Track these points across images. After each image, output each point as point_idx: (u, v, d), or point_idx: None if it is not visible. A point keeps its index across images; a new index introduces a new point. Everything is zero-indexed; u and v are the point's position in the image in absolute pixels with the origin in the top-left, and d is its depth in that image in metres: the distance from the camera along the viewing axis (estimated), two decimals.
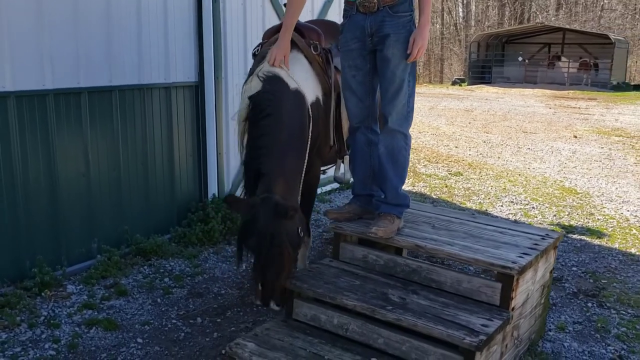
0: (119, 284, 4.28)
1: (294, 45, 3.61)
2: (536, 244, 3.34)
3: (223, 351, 3.45)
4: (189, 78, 5.12)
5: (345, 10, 3.54)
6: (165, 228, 5.08)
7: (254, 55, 3.92)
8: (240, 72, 5.54)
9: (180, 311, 3.97)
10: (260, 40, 4.08)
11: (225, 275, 4.57)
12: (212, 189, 5.44)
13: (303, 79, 3.53)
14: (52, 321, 3.73)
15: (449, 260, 3.87)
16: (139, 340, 3.59)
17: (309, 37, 3.74)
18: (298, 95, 3.43)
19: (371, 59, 3.47)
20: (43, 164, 4.16)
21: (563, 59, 29.12)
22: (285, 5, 3.95)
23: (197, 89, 5.19)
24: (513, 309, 3.05)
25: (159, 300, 4.12)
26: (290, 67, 3.48)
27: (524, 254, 3.17)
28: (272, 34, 3.84)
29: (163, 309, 4.00)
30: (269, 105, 3.30)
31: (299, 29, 3.70)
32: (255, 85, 3.38)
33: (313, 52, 3.70)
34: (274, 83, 3.37)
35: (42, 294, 4.02)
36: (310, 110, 3.49)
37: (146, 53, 4.73)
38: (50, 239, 4.28)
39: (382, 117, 3.52)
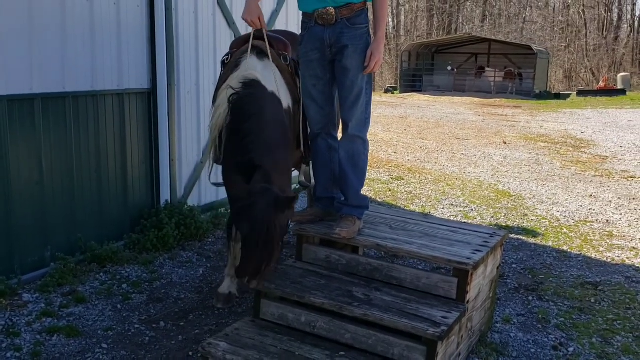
0: (77, 292, 4.25)
1: (265, 55, 3.74)
2: (486, 242, 3.60)
3: (190, 353, 3.54)
4: (142, 85, 5.14)
5: (303, 22, 3.69)
6: (119, 235, 5.07)
7: (223, 63, 4.01)
8: (192, 79, 5.60)
9: (142, 316, 4.00)
10: (228, 50, 4.19)
11: (182, 280, 4.62)
12: (165, 195, 5.46)
13: (277, 86, 3.66)
14: (11, 330, 3.68)
15: (409, 258, 4.08)
16: (104, 345, 3.60)
17: (278, 48, 3.88)
18: (275, 97, 3.57)
19: (330, 68, 3.64)
20: None
21: (487, 69, 30.36)
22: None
23: (149, 96, 5.21)
24: (468, 302, 3.28)
25: (119, 306, 4.13)
26: (264, 75, 3.60)
27: (476, 250, 3.42)
28: (241, 44, 3.96)
29: (124, 315, 4.01)
30: (252, 106, 3.41)
31: (268, 39, 3.81)
32: (232, 91, 3.47)
33: (283, 62, 3.84)
34: (252, 87, 3.48)
35: None
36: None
37: (99, 60, 4.72)
38: (2, 248, 4.20)
39: (342, 124, 3.69)
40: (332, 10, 3.48)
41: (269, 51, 3.75)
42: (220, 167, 3.89)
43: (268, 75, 3.63)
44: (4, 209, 4.17)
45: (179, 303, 4.22)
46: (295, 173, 4.60)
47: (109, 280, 4.50)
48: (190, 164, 5.73)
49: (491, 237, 3.73)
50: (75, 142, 4.62)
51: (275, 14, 6.52)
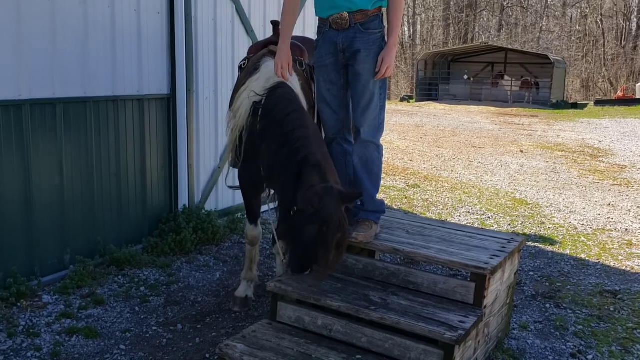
0: (95, 294, 4.30)
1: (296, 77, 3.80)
2: (504, 247, 3.59)
3: (207, 355, 3.56)
4: (162, 90, 5.20)
5: (319, 27, 3.73)
6: (138, 238, 5.12)
7: (240, 68, 4.07)
8: (210, 85, 5.66)
9: (160, 319, 4.03)
10: (234, 57, 4.25)
11: (200, 283, 4.65)
12: (183, 199, 5.51)
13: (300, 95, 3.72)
14: (31, 330, 3.73)
15: (425, 263, 4.08)
16: (122, 347, 3.64)
17: (294, 53, 3.91)
18: (300, 100, 3.64)
19: (344, 73, 3.67)
20: (17, 174, 4.16)
21: (506, 77, 30.26)
22: (272, 22, 4.15)
23: (169, 101, 5.28)
24: (485, 307, 3.27)
25: (137, 308, 4.17)
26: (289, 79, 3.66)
27: (494, 255, 3.41)
28: (258, 49, 4.01)
29: (142, 317, 4.05)
30: (293, 102, 3.49)
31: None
32: (261, 91, 3.54)
33: (299, 67, 3.88)
34: (285, 87, 3.57)
35: (19, 304, 4.01)
36: None
37: (120, 65, 4.80)
38: (23, 250, 4.26)
39: (355, 129, 3.71)
40: (346, 15, 3.52)
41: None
42: (236, 171, 3.95)
43: (292, 79, 3.68)
44: (25, 212, 4.24)
45: (196, 306, 4.25)
46: None
47: (127, 282, 4.55)
48: (207, 169, 5.78)
49: (509, 242, 3.72)
50: (95, 147, 4.68)
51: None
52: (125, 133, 4.93)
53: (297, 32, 6.45)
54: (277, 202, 3.56)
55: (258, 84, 3.63)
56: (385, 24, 3.68)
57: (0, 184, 4.05)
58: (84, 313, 4.04)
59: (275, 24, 4.29)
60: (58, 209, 4.47)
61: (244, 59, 4.10)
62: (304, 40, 4.46)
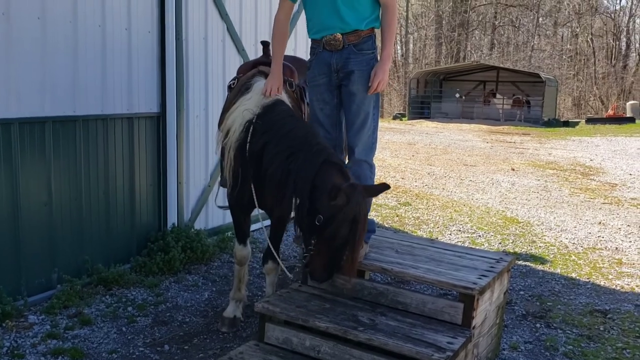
0: (82, 314, 4.25)
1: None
2: (492, 267, 3.59)
3: None
4: (152, 109, 5.20)
5: (312, 47, 3.76)
6: (126, 257, 5.08)
7: (229, 87, 4.08)
8: (201, 104, 5.66)
9: (147, 339, 3.99)
10: (224, 76, 4.27)
11: (188, 303, 4.61)
12: (172, 218, 5.48)
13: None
14: (15, 352, 3.69)
15: (414, 282, 4.07)
16: None
17: (284, 74, 3.93)
18: None
19: (337, 93, 3.69)
20: (5, 193, 4.13)
21: (498, 95, 30.46)
22: (262, 42, 4.18)
23: (159, 120, 5.27)
24: (474, 327, 3.26)
25: (124, 328, 4.13)
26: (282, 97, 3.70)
27: (482, 275, 3.40)
28: (247, 69, 4.03)
29: (129, 337, 4.00)
30: (294, 116, 3.61)
31: None
32: (256, 108, 3.56)
33: (289, 88, 3.89)
34: (283, 103, 3.64)
35: (3, 324, 3.96)
36: None
37: (110, 84, 4.79)
38: (10, 269, 4.22)
39: (348, 149, 3.71)
40: (339, 36, 3.54)
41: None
42: (224, 190, 3.94)
43: (284, 97, 3.71)
44: (12, 231, 4.20)
45: (183, 326, 4.21)
46: None
47: (114, 302, 4.50)
48: (197, 187, 5.77)
49: (497, 262, 3.71)
50: (84, 165, 4.66)
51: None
52: (115, 152, 4.92)
53: (288, 51, 6.48)
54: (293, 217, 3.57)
55: (251, 102, 3.63)
56: (379, 43, 3.71)
57: None
58: (71, 333, 3.99)
59: (265, 44, 4.32)
60: (46, 227, 4.44)
61: (233, 79, 4.12)
62: (294, 60, 4.49)
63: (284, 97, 3.73)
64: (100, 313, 4.32)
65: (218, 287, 4.95)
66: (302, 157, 3.27)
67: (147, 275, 4.98)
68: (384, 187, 3.35)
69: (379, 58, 3.65)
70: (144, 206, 5.26)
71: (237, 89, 3.84)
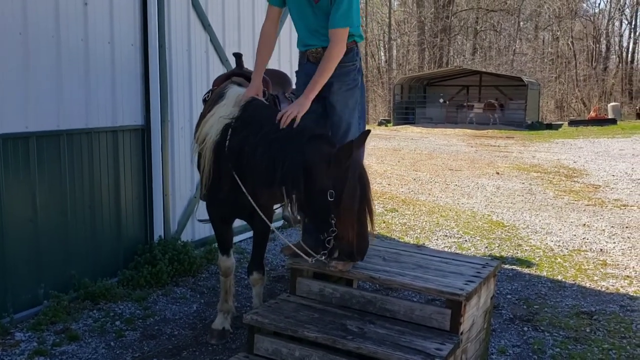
0: (70, 329, 4.23)
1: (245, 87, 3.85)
2: (479, 272, 3.61)
3: None
4: (136, 121, 5.20)
5: (299, 59, 3.84)
6: (113, 271, 5.06)
7: (204, 101, 4.10)
8: (185, 115, 5.66)
9: (136, 353, 3.97)
10: (210, 87, 4.30)
11: (176, 316, 4.59)
12: (159, 230, 5.46)
13: None
14: None
15: (403, 290, 4.09)
16: None
17: None
18: None
19: (322, 104, 3.74)
20: None
21: (476, 105, 30.50)
22: (234, 54, 4.22)
23: (143, 133, 5.27)
24: (462, 333, 3.28)
25: (112, 343, 4.10)
26: None
27: (469, 281, 3.43)
28: (221, 81, 4.10)
29: (117, 352, 3.98)
30: (268, 105, 3.73)
31: (249, 76, 3.95)
32: (233, 111, 3.58)
33: (261, 97, 3.93)
34: (258, 99, 3.72)
35: None
36: None
37: (94, 98, 4.79)
38: None
39: None
40: (321, 50, 3.63)
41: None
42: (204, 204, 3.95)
43: None
44: None
45: (172, 340, 4.20)
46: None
47: (102, 317, 4.48)
48: (183, 199, 5.76)
49: (484, 267, 3.74)
50: (69, 179, 4.64)
51: None
52: (100, 165, 4.90)
53: (272, 62, 6.55)
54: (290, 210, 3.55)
55: (227, 108, 3.62)
56: (362, 56, 3.76)
57: None
58: (58, 350, 3.97)
59: (237, 55, 4.41)
60: (31, 243, 4.41)
61: (207, 92, 4.15)
62: (271, 73, 4.52)
63: None
64: (87, 328, 4.29)
65: (206, 299, 4.94)
66: (285, 139, 3.27)
67: (135, 289, 4.96)
68: (367, 133, 3.35)
69: (362, 70, 3.72)
70: (130, 219, 5.25)
71: (212, 100, 3.86)
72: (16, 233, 4.29)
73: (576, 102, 43.41)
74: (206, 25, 5.76)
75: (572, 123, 28.96)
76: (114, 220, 5.08)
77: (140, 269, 5.08)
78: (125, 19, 4.99)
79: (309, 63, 3.70)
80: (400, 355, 2.95)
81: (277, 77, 4.48)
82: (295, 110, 3.40)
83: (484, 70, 33.60)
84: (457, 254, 5.25)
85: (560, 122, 31.46)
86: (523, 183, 11.47)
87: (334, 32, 3.51)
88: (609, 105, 33.88)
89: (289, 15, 4.09)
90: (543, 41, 46.76)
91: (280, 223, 7.12)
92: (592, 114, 31.29)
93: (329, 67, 3.54)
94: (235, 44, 6.14)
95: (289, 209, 4.41)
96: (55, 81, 4.46)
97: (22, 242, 4.34)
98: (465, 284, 3.38)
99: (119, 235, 5.14)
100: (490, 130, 25.94)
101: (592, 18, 45.34)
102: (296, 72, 3.88)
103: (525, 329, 4.54)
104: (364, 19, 43.95)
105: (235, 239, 5.58)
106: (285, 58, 6.67)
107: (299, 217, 4.35)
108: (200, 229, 5.98)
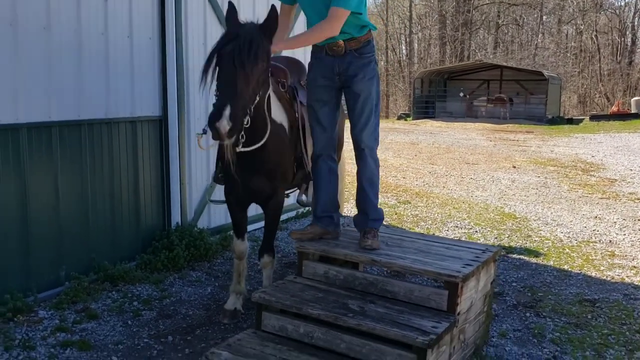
0: (89, 308, 4.46)
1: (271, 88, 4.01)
2: (477, 257, 3.76)
3: None
4: (154, 112, 5.41)
5: (313, 51, 3.99)
6: (131, 255, 5.29)
7: None
8: (201, 106, 5.86)
9: (151, 331, 4.19)
10: None
11: (191, 298, 4.81)
12: (176, 217, 5.68)
13: (279, 111, 4.01)
14: (27, 344, 3.89)
15: (402, 272, 4.26)
16: (114, 358, 3.80)
17: (277, 75, 4.16)
18: None
19: (337, 94, 3.94)
20: (15, 195, 4.34)
21: (480, 99, 30.49)
22: None
23: (161, 123, 5.48)
24: (459, 313, 3.43)
25: (129, 322, 4.33)
26: (273, 106, 3.91)
27: (466, 264, 3.58)
28: None
29: (134, 330, 4.20)
30: None
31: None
32: None
33: (281, 89, 4.11)
34: None
35: (15, 319, 4.17)
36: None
37: (113, 89, 5.01)
38: (20, 267, 4.43)
39: (355, 145, 3.94)
40: (341, 43, 3.79)
41: None
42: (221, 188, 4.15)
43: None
44: (22, 231, 4.41)
45: (187, 319, 4.41)
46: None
47: (120, 298, 4.71)
48: (199, 187, 5.97)
49: (483, 252, 3.88)
50: (90, 168, 4.87)
51: None
52: (119, 154, 5.13)
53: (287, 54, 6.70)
54: None
55: None
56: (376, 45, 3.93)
57: None
58: (78, 327, 4.20)
59: None
60: (54, 227, 4.65)
61: None
62: (287, 61, 4.68)
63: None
64: (106, 308, 4.52)
65: (220, 282, 5.15)
66: None
67: (152, 272, 5.19)
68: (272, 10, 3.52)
69: (377, 60, 3.90)
70: (149, 206, 5.47)
71: None
72: (40, 218, 4.53)
73: (599, 96, 42.86)
74: (222, 20, 5.94)
75: (594, 118, 28.69)
76: (132, 207, 5.31)
77: (157, 254, 5.31)
78: (144, 13, 5.20)
79: (327, 56, 3.86)
80: (397, 332, 3.11)
81: (293, 65, 4.64)
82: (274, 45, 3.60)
83: (504, 64, 33.40)
84: (458, 240, 5.38)
85: (582, 117, 31.18)
86: (538, 177, 11.51)
87: (331, 10, 3.64)
88: (632, 99, 33.39)
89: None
90: (566, 35, 46.21)
91: (293, 213, 7.32)
92: (614, 108, 30.94)
93: (313, 37, 3.77)
94: None
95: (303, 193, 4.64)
96: (77, 73, 4.68)
97: (46, 227, 4.58)
98: (463, 267, 3.52)
99: (137, 221, 5.37)
100: (510, 125, 25.84)
101: (617, 11, 44.67)
102: (309, 64, 4.04)
103: (528, 314, 4.66)
104: (385, 12, 43.94)
105: (250, 227, 5.79)
106: (299, 49, 6.82)
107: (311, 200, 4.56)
108: (216, 216, 6.19)
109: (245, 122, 3.34)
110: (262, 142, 3.75)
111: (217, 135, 3.19)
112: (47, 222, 4.59)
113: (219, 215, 6.19)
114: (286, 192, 4.45)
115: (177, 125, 5.58)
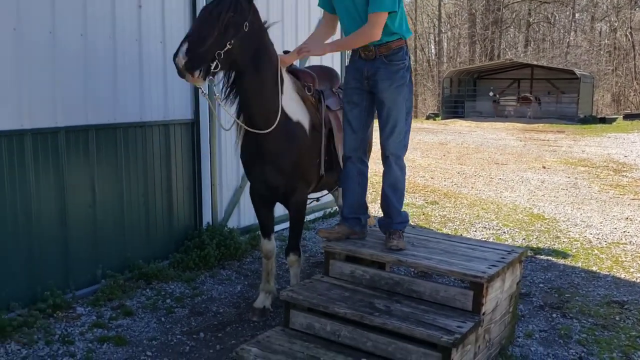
0: (125, 306, 4.62)
1: (291, 86, 4.18)
2: (503, 258, 3.80)
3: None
4: (186, 116, 5.56)
5: (350, 55, 4.13)
6: (165, 254, 5.45)
7: None
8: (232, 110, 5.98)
9: (184, 328, 4.33)
10: None
11: (222, 296, 4.94)
12: (207, 217, 5.84)
13: (298, 110, 4.15)
14: (66, 339, 4.06)
15: (428, 272, 4.32)
16: (148, 353, 3.94)
17: (304, 79, 4.29)
18: None
19: (367, 97, 4.02)
20: (54, 196, 4.53)
21: (505, 98, 30.29)
22: (284, 52, 4.54)
23: (193, 126, 5.63)
24: (484, 313, 3.48)
25: (162, 319, 4.48)
26: (289, 103, 4.07)
27: (492, 265, 3.63)
28: None
29: (167, 326, 4.35)
30: None
31: (296, 72, 4.26)
32: None
33: (307, 92, 4.22)
34: None
35: (55, 315, 4.36)
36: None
37: (147, 93, 5.17)
38: (59, 266, 4.61)
39: (381, 150, 4.02)
40: (372, 47, 3.87)
41: (294, 85, 4.26)
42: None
43: (291, 104, 4.13)
44: (61, 231, 4.59)
45: (217, 316, 4.54)
46: (329, 197, 4.97)
47: (154, 295, 4.87)
48: (230, 188, 6.12)
49: (509, 253, 3.93)
50: (125, 169, 5.05)
51: None
52: (152, 156, 5.29)
53: (315, 59, 6.82)
54: None
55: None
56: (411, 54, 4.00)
57: (39, 205, 4.41)
58: (114, 323, 4.36)
59: (285, 53, 4.68)
60: (91, 227, 4.83)
61: None
62: (319, 68, 4.83)
63: (290, 94, 4.14)
64: (141, 305, 4.68)
65: (250, 281, 5.28)
66: None
67: (184, 271, 5.34)
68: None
69: (410, 68, 3.97)
70: (181, 206, 5.63)
71: None
72: (78, 218, 4.71)
73: (634, 95, 41.99)
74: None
75: (628, 117, 28.18)
76: (165, 207, 5.47)
77: (189, 253, 5.46)
78: (176, 20, 5.36)
79: (360, 59, 3.96)
80: (422, 331, 3.19)
81: (324, 73, 4.78)
82: (308, 45, 3.92)
83: (535, 63, 32.99)
84: (484, 241, 5.41)
85: (615, 116, 30.62)
86: (569, 177, 11.41)
87: (369, 16, 3.75)
88: None
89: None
90: (600, 33, 45.40)
91: (320, 213, 7.42)
92: None
93: (353, 41, 3.89)
94: (278, 43, 6.42)
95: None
96: (112, 77, 4.86)
97: (83, 226, 4.76)
98: (488, 268, 3.57)
99: (170, 221, 5.53)
100: (541, 125, 25.55)
101: None
102: (346, 67, 4.16)
103: (554, 315, 4.68)
104: (414, 12, 43.76)
105: (278, 227, 5.91)
106: (328, 56, 6.93)
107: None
108: (245, 216, 6.33)
109: (214, 67, 3.56)
110: (268, 130, 3.93)
111: (177, 70, 3.52)
112: (85, 222, 4.77)
113: (248, 215, 6.32)
114: (316, 195, 4.56)
115: (209, 128, 5.72)
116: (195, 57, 3.45)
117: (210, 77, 3.60)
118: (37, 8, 4.28)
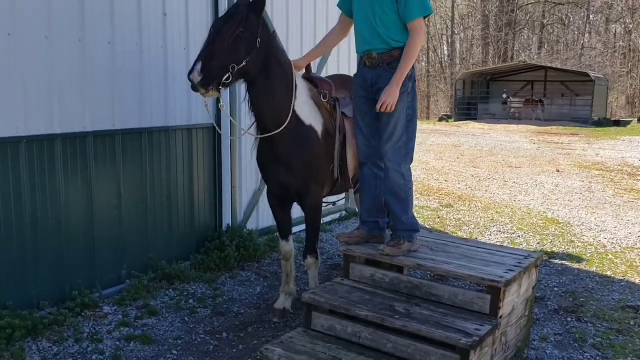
0: (149, 305, 4.76)
1: (305, 92, 4.32)
2: (519, 262, 3.90)
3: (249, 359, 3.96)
4: (207, 120, 5.70)
5: (357, 63, 4.20)
6: (186, 255, 5.59)
7: None
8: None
9: (207, 327, 4.46)
10: None
11: (242, 297, 5.07)
12: (227, 219, 5.97)
13: (311, 115, 4.31)
14: (94, 337, 4.21)
15: (446, 276, 4.41)
16: (174, 352, 4.08)
17: (321, 87, 4.42)
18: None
19: (375, 105, 4.07)
20: (81, 198, 4.67)
21: (511, 99, 30.30)
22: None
23: (214, 130, 5.76)
24: (501, 317, 3.58)
25: (186, 318, 4.61)
26: (301, 107, 4.23)
27: (509, 270, 3.72)
28: None
29: (191, 326, 4.48)
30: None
31: (313, 80, 4.37)
32: None
33: (322, 99, 4.34)
34: None
35: (82, 313, 4.50)
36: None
37: (171, 99, 5.31)
38: (86, 266, 4.76)
39: (381, 157, 4.09)
40: (374, 54, 3.94)
41: (310, 91, 4.43)
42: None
43: (303, 108, 4.29)
44: (88, 232, 4.74)
45: (239, 317, 4.67)
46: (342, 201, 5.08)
47: (177, 295, 5.00)
48: (249, 190, 6.25)
49: (525, 258, 4.02)
50: (149, 172, 5.19)
51: (324, 57, 6.99)
52: (175, 159, 5.43)
53: (331, 67, 6.94)
54: None
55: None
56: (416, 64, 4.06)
57: (67, 207, 4.56)
58: (140, 322, 4.50)
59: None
60: (116, 228, 4.97)
61: None
62: (340, 77, 4.97)
63: (305, 98, 4.31)
64: (165, 305, 4.82)
65: (269, 282, 5.40)
66: None
67: (205, 271, 5.47)
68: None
69: (412, 77, 4.00)
70: (202, 208, 5.77)
71: None
72: (104, 219, 4.86)
73: None
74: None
75: None
76: (187, 210, 5.61)
77: (210, 254, 5.60)
78: (199, 27, 5.48)
79: (365, 67, 4.03)
80: (441, 333, 3.29)
81: (342, 81, 4.89)
82: (389, 98, 3.79)
83: (549, 65, 32.91)
84: (501, 245, 5.50)
85: (630, 119, 30.48)
86: (582, 181, 11.44)
87: (410, 25, 3.82)
88: None
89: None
90: (614, 34, 45.15)
91: (337, 215, 7.54)
92: None
93: (411, 54, 3.84)
94: (297, 51, 6.55)
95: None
96: (137, 84, 5.00)
97: (109, 227, 4.91)
98: (505, 272, 3.67)
99: (191, 223, 5.67)
100: (555, 127, 25.50)
101: None
102: (354, 75, 4.26)
103: (569, 319, 4.76)
104: None
105: (296, 228, 6.03)
106: (343, 64, 7.07)
107: (357, 209, 4.77)
108: (264, 218, 6.46)
109: (226, 79, 3.80)
110: (278, 130, 4.11)
111: (192, 85, 3.77)
112: (110, 223, 4.92)
113: (266, 217, 6.44)
114: (331, 200, 4.68)
115: (229, 132, 5.85)
116: (208, 75, 3.73)
117: (222, 87, 3.86)
118: (67, 17, 4.42)
